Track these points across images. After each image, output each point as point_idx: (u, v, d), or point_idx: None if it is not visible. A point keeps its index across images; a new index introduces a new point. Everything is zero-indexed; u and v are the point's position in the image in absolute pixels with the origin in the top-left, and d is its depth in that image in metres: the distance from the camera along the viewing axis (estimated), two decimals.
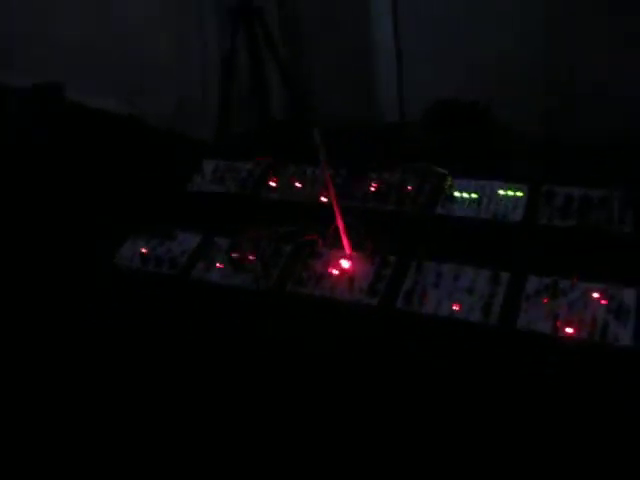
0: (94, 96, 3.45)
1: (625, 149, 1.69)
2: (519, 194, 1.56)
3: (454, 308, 1.30)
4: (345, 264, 1.42)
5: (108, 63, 3.78)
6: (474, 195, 1.57)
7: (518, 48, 2.23)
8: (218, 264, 1.51)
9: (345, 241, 1.43)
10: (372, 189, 1.65)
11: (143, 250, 1.60)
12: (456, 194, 1.59)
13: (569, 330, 1.23)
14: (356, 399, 1.23)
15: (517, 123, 1.93)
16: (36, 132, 2.38)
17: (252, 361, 1.32)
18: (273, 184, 1.73)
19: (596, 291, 1.27)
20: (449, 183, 1.61)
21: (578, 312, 1.25)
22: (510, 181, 1.59)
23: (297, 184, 1.70)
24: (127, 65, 3.72)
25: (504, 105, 1.98)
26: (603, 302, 1.26)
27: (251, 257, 1.49)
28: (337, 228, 1.41)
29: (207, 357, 1.36)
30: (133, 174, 1.99)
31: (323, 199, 1.61)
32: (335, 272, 1.42)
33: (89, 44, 3.78)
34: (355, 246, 1.44)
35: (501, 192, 1.57)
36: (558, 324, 1.24)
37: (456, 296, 1.33)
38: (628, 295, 1.26)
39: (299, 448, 1.18)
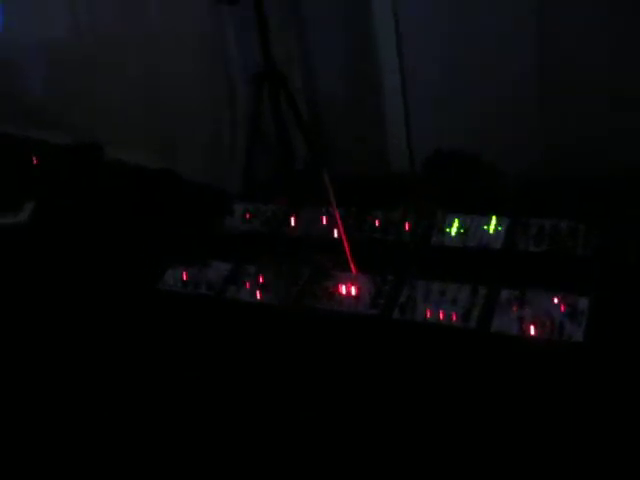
0: (132, 152, 3.78)
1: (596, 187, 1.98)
2: (500, 227, 1.85)
3: (440, 316, 1.59)
4: (351, 283, 1.71)
5: (145, 122, 4.11)
6: (462, 229, 1.87)
7: (512, 99, 2.50)
8: (247, 285, 1.80)
9: (352, 264, 1.72)
10: (377, 224, 1.94)
11: (184, 276, 1.89)
12: (447, 228, 1.88)
13: (532, 330, 1.51)
14: (360, 388, 1.50)
15: (507, 168, 2.22)
16: (78, 184, 2.66)
17: (275, 362, 1.61)
18: (293, 222, 2.03)
19: (555, 299, 1.56)
20: (441, 219, 1.91)
21: (541, 316, 1.53)
22: (493, 215, 1.89)
23: (313, 222, 2.00)
24: (162, 123, 4.04)
25: (495, 152, 2.27)
26: (561, 308, 1.54)
27: (275, 279, 1.79)
28: (345, 253, 1.72)
29: (235, 360, 1.64)
30: (172, 216, 2.29)
31: (335, 234, 1.89)
32: (343, 289, 1.71)
33: (128, 106, 4.12)
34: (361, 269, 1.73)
35: (484, 226, 1.86)
36: (524, 326, 1.52)
37: (442, 306, 1.61)
38: (582, 302, 1.55)
39: (312, 441, 1.44)
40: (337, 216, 1.68)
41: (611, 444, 1.30)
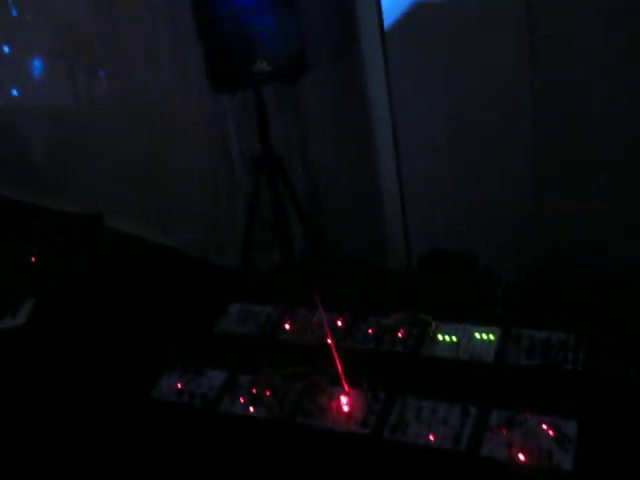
0: (133, 225, 3.84)
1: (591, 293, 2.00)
2: (492, 337, 1.87)
3: (430, 438, 1.60)
4: (343, 400, 1.73)
5: (146, 196, 4.19)
6: (454, 338, 1.89)
7: (506, 201, 2.56)
8: (241, 398, 1.82)
9: (343, 380, 1.74)
10: (370, 332, 1.96)
11: (178, 385, 1.91)
12: (439, 336, 1.90)
13: (521, 457, 1.52)
14: None
15: (502, 270, 2.25)
16: (77, 256, 2.67)
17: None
18: (287, 327, 2.05)
19: (544, 423, 1.57)
20: (433, 328, 1.93)
21: (529, 441, 1.54)
22: (486, 324, 1.90)
23: (307, 329, 2.02)
24: (163, 199, 4.12)
25: (491, 254, 2.30)
26: (550, 432, 1.55)
27: (268, 393, 1.80)
28: (337, 369, 1.73)
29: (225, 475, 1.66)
30: (167, 306, 2.31)
31: (329, 341, 1.91)
32: (335, 406, 1.72)
33: (131, 180, 4.21)
34: (353, 384, 1.75)
35: (477, 335, 1.88)
36: (513, 452, 1.53)
37: (433, 428, 1.62)
38: (571, 426, 1.56)
39: None
40: (329, 334, 1.70)
41: None
